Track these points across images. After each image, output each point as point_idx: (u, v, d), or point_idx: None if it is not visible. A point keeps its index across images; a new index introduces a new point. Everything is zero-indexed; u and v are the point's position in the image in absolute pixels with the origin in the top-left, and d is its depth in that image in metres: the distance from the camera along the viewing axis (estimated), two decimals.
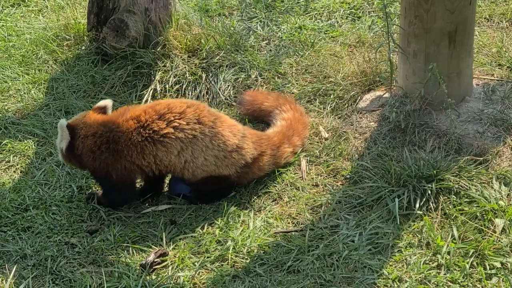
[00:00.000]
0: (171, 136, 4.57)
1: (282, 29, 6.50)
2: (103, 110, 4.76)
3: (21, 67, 6.25)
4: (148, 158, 4.62)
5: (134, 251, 4.42)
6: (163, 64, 5.87)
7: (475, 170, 4.59)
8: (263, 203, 4.73)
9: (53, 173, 5.10)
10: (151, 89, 5.77)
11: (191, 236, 4.50)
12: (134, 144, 4.59)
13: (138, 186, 4.94)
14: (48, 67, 6.20)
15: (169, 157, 4.62)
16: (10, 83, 6.06)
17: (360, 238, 4.28)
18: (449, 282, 3.96)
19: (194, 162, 4.63)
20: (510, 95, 5.14)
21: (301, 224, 4.52)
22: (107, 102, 4.80)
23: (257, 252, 4.30)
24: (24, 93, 5.94)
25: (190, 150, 4.60)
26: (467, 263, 4.02)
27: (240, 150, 4.69)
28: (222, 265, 4.25)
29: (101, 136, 4.61)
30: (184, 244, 4.43)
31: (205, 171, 4.66)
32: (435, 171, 4.50)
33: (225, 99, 5.71)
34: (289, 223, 4.56)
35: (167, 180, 4.97)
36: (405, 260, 4.14)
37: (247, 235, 4.42)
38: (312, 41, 6.26)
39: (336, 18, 6.67)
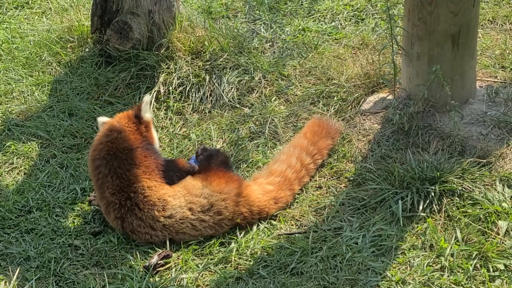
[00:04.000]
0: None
1: (285, 31, 6.50)
2: None
3: (24, 69, 6.26)
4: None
5: (138, 253, 4.42)
6: (166, 66, 5.87)
7: (478, 172, 4.59)
8: None
9: (57, 175, 5.11)
10: (154, 91, 5.77)
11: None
12: (116, 172, 4.51)
13: None
14: (51, 69, 6.20)
15: None
16: (14, 85, 6.07)
17: (364, 240, 4.28)
18: (452, 284, 3.96)
19: None
20: None
21: (304, 226, 4.52)
22: None
23: (261, 254, 4.30)
24: (28, 95, 5.94)
25: None
26: (471, 265, 4.02)
27: (218, 229, 4.47)
28: (225, 267, 4.25)
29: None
30: (187, 246, 4.43)
31: None
32: (438, 173, 4.49)
33: (228, 101, 5.71)
34: (292, 225, 4.55)
35: None
36: (408, 262, 4.13)
37: (250, 237, 4.42)
38: (316, 43, 6.26)
39: (339, 20, 6.67)
